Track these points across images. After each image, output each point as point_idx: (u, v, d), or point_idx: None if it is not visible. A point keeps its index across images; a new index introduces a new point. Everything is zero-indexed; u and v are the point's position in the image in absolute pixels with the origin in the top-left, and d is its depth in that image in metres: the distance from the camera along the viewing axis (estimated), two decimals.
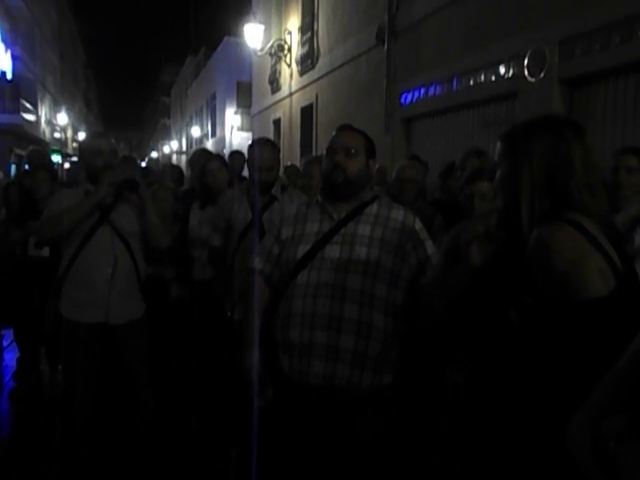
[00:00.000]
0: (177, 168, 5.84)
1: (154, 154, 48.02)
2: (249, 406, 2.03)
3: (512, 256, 1.41)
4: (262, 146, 3.05)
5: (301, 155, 11.13)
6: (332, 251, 1.97)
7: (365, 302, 1.93)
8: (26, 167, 5.94)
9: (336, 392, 1.93)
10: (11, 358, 4.50)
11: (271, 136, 12.78)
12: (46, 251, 3.85)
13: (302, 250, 2.00)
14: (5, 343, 4.97)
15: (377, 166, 6.37)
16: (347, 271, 1.94)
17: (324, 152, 2.13)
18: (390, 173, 4.40)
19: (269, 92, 13.84)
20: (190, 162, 5.39)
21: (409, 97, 7.50)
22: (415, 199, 3.40)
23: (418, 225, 2.09)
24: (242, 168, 5.25)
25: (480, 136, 6.18)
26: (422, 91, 7.18)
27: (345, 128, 2.16)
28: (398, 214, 2.07)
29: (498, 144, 1.51)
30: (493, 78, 5.82)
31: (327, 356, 1.91)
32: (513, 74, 5.51)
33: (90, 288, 2.67)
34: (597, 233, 1.33)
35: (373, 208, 2.07)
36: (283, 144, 12.42)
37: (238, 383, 2.16)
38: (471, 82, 6.19)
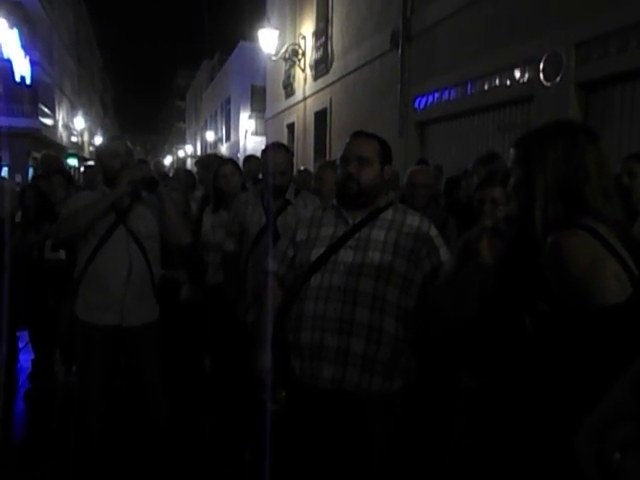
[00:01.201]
0: (190, 173, 5.88)
1: (168, 158, 48.41)
2: (262, 409, 2.04)
3: (525, 262, 1.40)
4: (275, 150, 3.07)
5: (315, 159, 11.16)
6: (345, 255, 1.98)
7: (376, 307, 1.93)
8: (39, 172, 6.02)
9: (345, 396, 1.93)
10: (26, 359, 4.55)
11: (285, 140, 12.83)
12: (62, 254, 3.90)
13: (316, 253, 2.01)
14: (21, 345, 5.04)
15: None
16: (359, 275, 1.94)
17: (338, 159, 2.12)
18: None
19: (283, 96, 13.90)
20: (200, 165, 5.41)
21: (423, 101, 7.50)
22: (427, 203, 3.39)
23: (433, 231, 2.07)
24: (258, 172, 5.28)
25: (495, 140, 6.14)
26: (436, 95, 7.17)
27: (359, 135, 2.14)
28: (413, 220, 2.07)
29: (511, 150, 1.51)
30: (508, 82, 5.79)
31: (337, 359, 1.91)
32: (528, 78, 5.48)
33: (105, 291, 2.69)
34: (612, 239, 1.32)
35: (388, 213, 2.06)
36: (297, 148, 12.46)
37: (251, 386, 2.16)
38: (486, 86, 6.17)
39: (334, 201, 2.13)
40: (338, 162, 2.12)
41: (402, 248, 1.99)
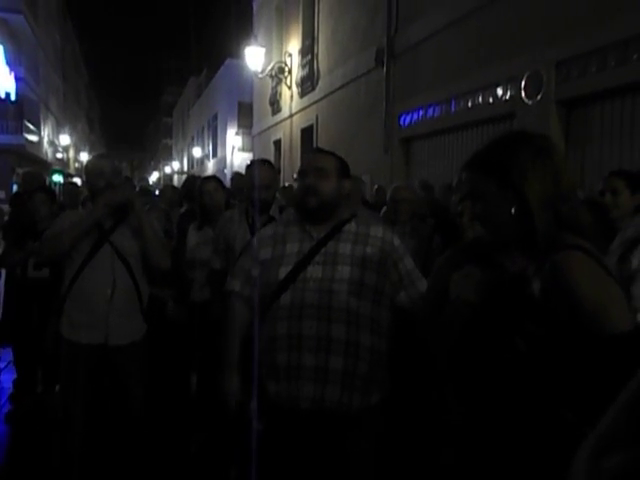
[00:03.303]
0: (176, 190, 5.88)
1: (155, 174, 48.25)
2: (246, 429, 2.02)
3: (514, 285, 1.35)
4: (259, 165, 3.10)
5: None
6: (314, 271, 1.96)
7: (352, 321, 1.93)
8: (21, 189, 5.98)
9: (326, 414, 1.91)
10: (7, 380, 4.48)
11: (272, 157, 12.89)
12: (45, 272, 3.86)
13: (284, 271, 1.98)
14: (2, 365, 4.96)
15: (376, 186, 6.39)
16: (331, 291, 1.93)
17: (296, 175, 2.13)
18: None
19: (270, 113, 13.98)
20: (184, 185, 5.44)
21: (408, 118, 7.58)
22: (410, 219, 3.43)
23: (397, 241, 2.09)
24: (242, 189, 5.31)
25: None
26: (421, 112, 7.25)
27: (315, 150, 2.22)
28: (377, 231, 2.07)
29: (464, 174, 1.44)
30: (491, 100, 5.88)
31: (316, 378, 1.89)
32: (510, 96, 5.57)
33: (89, 309, 2.68)
34: (603, 258, 1.31)
35: (352, 226, 2.06)
36: (284, 165, 12.52)
37: (222, 409, 2.13)
38: (469, 104, 6.26)
39: (294, 215, 2.11)
40: (296, 177, 2.13)
41: (370, 260, 1.99)
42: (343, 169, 2.10)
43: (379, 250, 2.02)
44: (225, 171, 19.86)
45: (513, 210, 1.34)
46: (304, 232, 2.05)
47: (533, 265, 1.35)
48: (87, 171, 2.83)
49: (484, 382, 1.37)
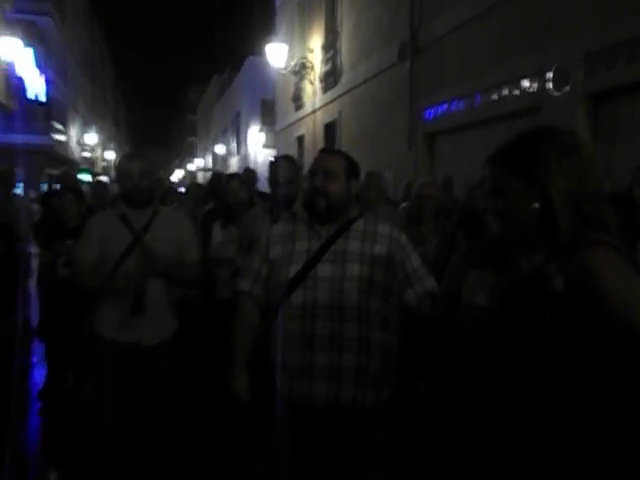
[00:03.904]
0: (202, 188, 5.95)
1: (180, 172, 48.77)
2: (269, 424, 2.04)
3: (534, 283, 1.34)
4: (280, 161, 3.15)
5: None
6: (324, 269, 1.97)
7: (363, 319, 1.94)
8: (50, 189, 6.12)
9: (340, 411, 1.93)
10: (40, 374, 4.60)
11: (294, 153, 12.90)
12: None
13: (294, 270, 1.98)
14: (35, 359, 5.10)
15: (405, 183, 6.34)
16: (342, 289, 1.94)
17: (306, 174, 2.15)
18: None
19: (292, 109, 14.02)
20: (210, 183, 5.51)
21: (432, 113, 7.52)
22: (435, 216, 3.39)
23: (404, 238, 2.09)
24: (254, 183, 5.38)
25: None
26: (445, 107, 7.20)
27: (325, 151, 2.21)
28: (384, 228, 2.08)
29: (488, 170, 1.41)
30: (516, 93, 5.80)
31: (330, 376, 1.91)
32: (537, 89, 5.49)
33: (121, 310, 2.72)
34: (628, 254, 1.29)
35: (360, 224, 2.07)
36: (306, 161, 12.52)
37: (261, 402, 2.16)
38: (494, 97, 6.18)
39: (304, 213, 2.11)
40: (307, 177, 2.14)
41: (379, 258, 2.00)
42: (352, 169, 2.11)
43: (387, 248, 2.03)
44: (251, 168, 19.93)
45: (537, 206, 1.32)
46: (313, 230, 2.06)
47: (554, 262, 1.33)
48: (117, 171, 2.88)
49: (510, 385, 1.36)
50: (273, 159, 3.28)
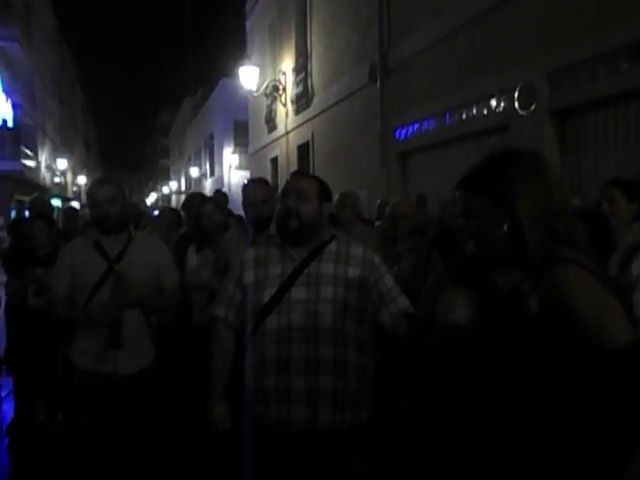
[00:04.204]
0: (175, 211, 5.89)
1: (153, 195, 48.41)
2: (236, 455, 2.01)
3: (510, 303, 1.36)
4: (253, 183, 3.19)
5: None
6: (298, 293, 1.98)
7: (338, 341, 1.95)
8: (19, 216, 6.00)
9: (318, 435, 1.93)
10: (9, 409, 4.45)
11: (269, 175, 12.94)
12: (44, 298, 3.85)
13: (268, 294, 1.99)
14: (3, 394, 4.93)
15: (379, 201, 6.40)
16: (317, 312, 1.95)
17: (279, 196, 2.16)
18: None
19: (265, 131, 14.06)
20: (184, 206, 5.46)
21: (403, 132, 7.63)
22: (410, 234, 3.43)
23: (377, 259, 2.12)
24: (226, 206, 5.37)
25: None
26: (416, 126, 7.31)
27: (297, 174, 2.26)
28: (357, 250, 2.10)
29: (459, 193, 1.44)
30: (485, 111, 5.93)
31: (307, 400, 1.90)
32: (504, 107, 5.61)
33: (97, 340, 2.67)
34: (598, 271, 1.32)
35: (332, 246, 2.08)
36: (281, 182, 12.54)
37: (238, 429, 2.13)
38: (464, 116, 6.30)
39: (276, 238, 2.13)
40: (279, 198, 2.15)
41: (352, 280, 2.01)
42: (324, 192, 2.13)
43: (360, 269, 2.05)
44: (223, 190, 19.90)
45: (505, 227, 1.35)
46: (286, 253, 2.06)
47: (528, 281, 1.35)
48: (87, 197, 2.85)
49: (486, 400, 1.37)
50: (246, 182, 3.29)
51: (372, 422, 2.03)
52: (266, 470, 1.96)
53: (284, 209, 2.06)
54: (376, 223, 5.59)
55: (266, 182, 3.27)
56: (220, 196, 5.58)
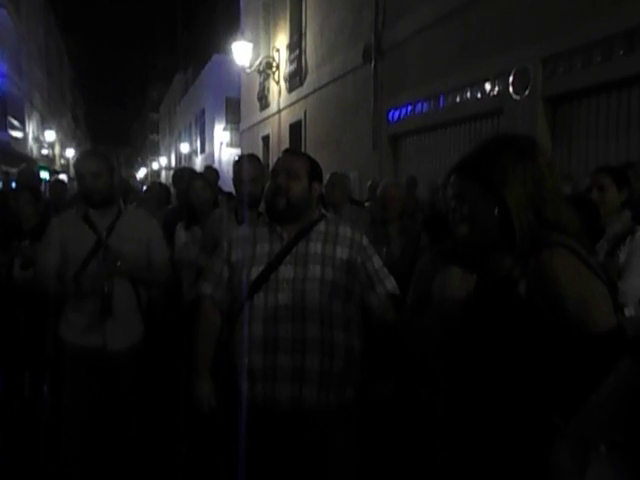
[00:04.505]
0: (164, 187, 5.83)
1: (142, 170, 47.97)
2: (232, 428, 2.02)
3: (501, 287, 1.37)
4: (244, 159, 3.16)
5: None
6: (286, 271, 1.98)
7: (325, 320, 1.96)
8: (13, 185, 5.90)
9: (304, 413, 1.94)
10: None
11: (260, 152, 12.83)
12: (32, 272, 3.81)
13: (255, 272, 2.00)
14: None
15: (369, 183, 6.39)
16: (304, 291, 1.96)
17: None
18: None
19: (258, 109, 13.93)
20: (173, 180, 5.41)
21: (396, 114, 7.59)
22: (400, 217, 3.43)
23: (365, 240, 2.12)
24: (216, 182, 5.32)
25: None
26: (409, 108, 7.27)
27: (288, 152, 2.23)
28: (346, 230, 2.10)
29: (452, 178, 1.46)
30: (479, 95, 5.92)
31: (293, 378, 1.92)
32: (498, 91, 5.61)
33: (87, 313, 2.66)
34: (587, 255, 1.33)
35: (321, 226, 2.09)
36: (272, 161, 12.46)
37: (224, 406, 2.14)
38: (457, 99, 6.29)
39: (265, 217, 2.12)
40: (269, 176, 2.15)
41: (340, 260, 2.02)
42: (315, 171, 2.12)
43: (348, 250, 2.06)
44: (213, 167, 19.75)
45: (495, 212, 1.37)
46: (274, 232, 2.07)
47: (518, 266, 1.37)
48: (75, 170, 2.80)
49: (475, 384, 1.39)
50: (237, 158, 3.25)
51: (357, 402, 2.04)
52: (252, 447, 1.98)
53: (273, 187, 2.05)
54: (366, 204, 5.59)
55: (258, 159, 3.25)
56: (210, 172, 5.52)
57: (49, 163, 28.34)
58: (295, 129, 11.48)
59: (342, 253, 2.04)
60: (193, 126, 27.75)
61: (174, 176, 5.50)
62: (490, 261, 1.43)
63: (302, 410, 1.94)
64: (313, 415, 1.95)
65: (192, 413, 2.38)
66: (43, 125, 28.77)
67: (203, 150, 25.47)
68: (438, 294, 1.43)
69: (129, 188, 5.83)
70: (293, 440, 1.98)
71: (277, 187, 2.03)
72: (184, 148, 28.91)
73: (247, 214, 2.98)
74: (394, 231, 3.36)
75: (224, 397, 2.05)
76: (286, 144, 11.94)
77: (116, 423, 2.81)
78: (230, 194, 5.15)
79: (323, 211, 2.19)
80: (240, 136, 17.01)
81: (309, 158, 2.15)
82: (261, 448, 1.99)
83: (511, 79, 5.33)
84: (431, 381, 1.53)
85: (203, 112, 24.62)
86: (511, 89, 5.35)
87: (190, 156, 28.30)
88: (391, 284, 2.10)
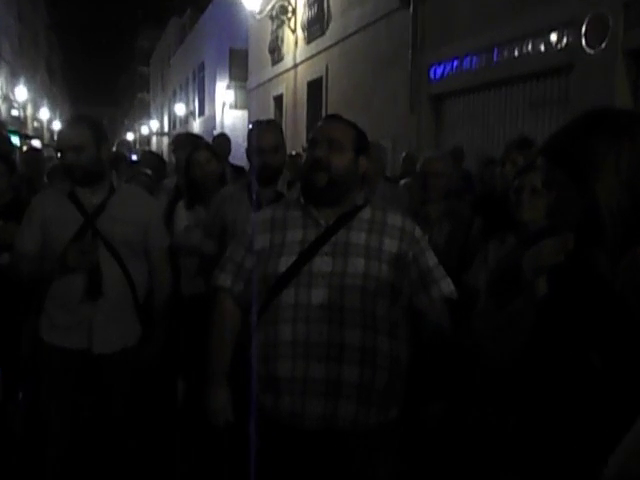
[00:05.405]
0: (156, 156, 5.86)
1: (130, 135, 48.31)
2: (237, 452, 2.04)
3: (592, 284, 1.39)
4: (263, 125, 3.15)
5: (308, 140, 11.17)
6: (323, 264, 1.97)
7: (367, 324, 1.95)
8: None
9: (338, 435, 1.94)
10: None
11: (271, 116, 12.82)
12: (5, 258, 3.86)
13: (285, 263, 1.99)
14: None
15: (403, 154, 6.37)
16: (343, 288, 1.95)
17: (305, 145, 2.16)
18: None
19: (269, 63, 13.90)
20: (173, 148, 5.41)
21: (440, 71, 7.53)
22: (445, 197, 3.40)
23: (418, 232, 2.12)
24: (228, 153, 5.31)
25: (527, 119, 6.17)
26: (456, 63, 7.20)
27: (332, 118, 2.21)
28: (396, 219, 2.10)
29: (540, 161, 1.49)
30: (543, 48, 5.83)
31: (326, 393, 1.91)
32: (567, 44, 5.51)
33: (70, 309, 2.69)
34: None
35: (366, 212, 2.08)
36: (286, 126, 12.44)
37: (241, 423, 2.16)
38: (516, 53, 6.20)
39: (300, 198, 2.11)
40: (305, 147, 2.15)
41: (387, 253, 2.01)
42: (362, 143, 2.12)
43: (398, 242, 2.05)
44: (214, 132, 19.82)
45: (584, 204, 1.38)
46: (309, 217, 2.06)
47: (609, 262, 1.38)
48: (57, 140, 2.83)
49: (553, 401, 1.40)
50: (254, 124, 3.24)
51: (401, 423, 2.04)
52: (273, 473, 1.99)
53: (312, 160, 2.03)
54: (401, 182, 5.56)
55: (279, 126, 3.24)
56: (222, 141, 5.48)
57: (20, 127, 28.64)
58: (314, 88, 11.44)
59: (390, 245, 2.03)
60: (190, 83, 27.82)
61: (174, 142, 5.50)
62: (578, 257, 1.44)
63: (335, 431, 1.94)
64: (348, 437, 1.95)
65: (201, 429, 2.41)
66: (13, 81, 29.03)
67: (202, 112, 25.55)
68: (530, 269, 1.46)
69: (120, 158, 5.83)
70: (323, 467, 1.98)
71: (316, 160, 2.01)
72: (179, 110, 29.03)
73: (262, 193, 2.99)
74: (436, 214, 3.34)
75: (242, 411, 2.05)
76: (303, 106, 11.91)
77: (106, 443, 2.84)
78: (240, 168, 5.17)
79: (368, 195, 2.19)
80: (247, 96, 17.01)
81: (355, 127, 2.13)
82: (284, 475, 2.00)
83: (584, 28, 5.23)
84: (503, 400, 1.54)
85: (202, 66, 24.65)
86: (584, 41, 5.25)
87: (187, 119, 28.41)
88: (448, 287, 2.10)
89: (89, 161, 2.68)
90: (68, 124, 2.91)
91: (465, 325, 1.97)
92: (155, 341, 2.93)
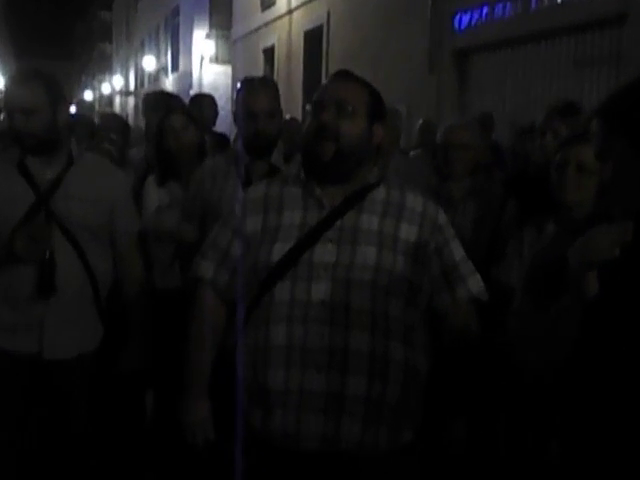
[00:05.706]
0: (120, 119, 5.84)
1: (88, 94, 48.16)
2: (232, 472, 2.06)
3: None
4: (256, 83, 3.13)
5: (305, 103, 11.13)
6: (325, 253, 1.97)
7: (378, 327, 1.95)
8: None
9: (341, 459, 1.94)
10: None
11: (260, 72, 12.81)
12: None
13: (280, 251, 1.98)
14: None
15: (420, 122, 6.39)
16: (349, 283, 1.94)
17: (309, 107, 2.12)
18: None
19: (258, 8, 13.92)
20: (144, 110, 5.39)
21: (465, 19, 7.55)
22: (471, 174, 3.41)
23: (443, 218, 2.12)
24: (214, 120, 5.29)
25: (570, 80, 6.18)
26: (485, 11, 7.22)
27: (342, 75, 2.16)
28: (416, 202, 2.09)
29: (594, 124, 1.47)
30: None
31: (327, 408, 1.91)
32: None
33: (18, 307, 2.70)
34: None
35: (380, 192, 2.07)
36: (277, 84, 12.44)
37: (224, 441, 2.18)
38: (557, 0, 6.18)
39: (301, 172, 2.10)
40: (309, 110, 2.12)
41: (404, 242, 2.01)
42: (377, 108, 2.09)
43: (418, 228, 2.04)
44: (191, 92, 19.78)
45: None
46: (310, 196, 2.05)
47: None
48: (4, 101, 2.82)
49: (605, 423, 1.41)
50: (243, 83, 3.23)
51: (418, 445, 2.04)
52: None
53: (316, 126, 2.01)
54: (411, 153, 5.57)
55: (274, 86, 3.23)
56: (206, 104, 5.43)
57: None
58: (313, 39, 11.46)
59: (408, 233, 2.02)
60: (162, 32, 27.76)
61: (144, 102, 5.46)
62: (638, 250, 1.44)
63: (337, 454, 1.94)
64: (353, 462, 1.95)
65: (177, 448, 2.43)
66: None
67: (176, 67, 25.51)
68: (578, 258, 1.47)
69: (83, 121, 5.80)
70: None
71: (322, 126, 1.99)
72: (148, 64, 28.92)
73: (253, 167, 3.00)
74: (460, 194, 3.35)
75: (225, 427, 2.07)
76: (299, 60, 11.90)
77: (62, 463, 2.87)
78: (221, 135, 5.16)
79: (382, 172, 2.19)
80: (232, 48, 16.98)
81: (370, 87, 2.10)
82: None
83: None
84: (542, 421, 1.55)
85: (177, 11, 24.59)
86: None
87: (157, 76, 28.34)
88: (477, 285, 2.09)
89: (43, 126, 2.67)
90: (16, 81, 2.88)
91: (495, 331, 1.98)
92: (133, 345, 2.94)
